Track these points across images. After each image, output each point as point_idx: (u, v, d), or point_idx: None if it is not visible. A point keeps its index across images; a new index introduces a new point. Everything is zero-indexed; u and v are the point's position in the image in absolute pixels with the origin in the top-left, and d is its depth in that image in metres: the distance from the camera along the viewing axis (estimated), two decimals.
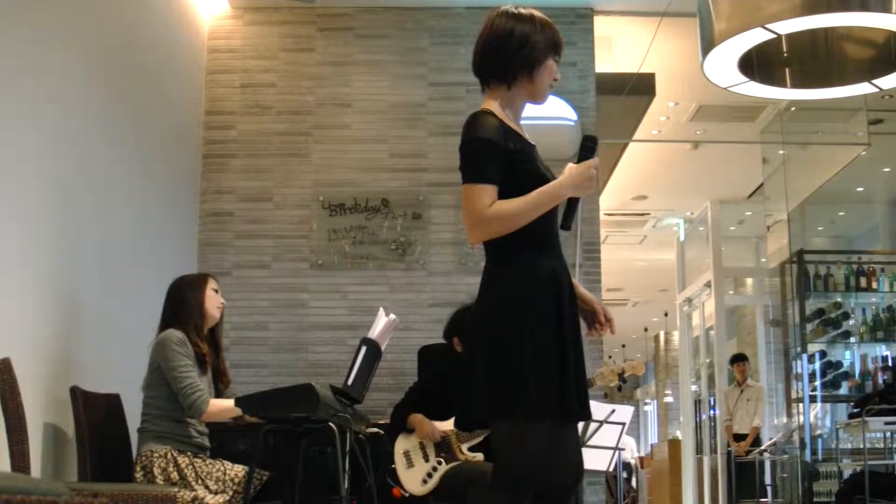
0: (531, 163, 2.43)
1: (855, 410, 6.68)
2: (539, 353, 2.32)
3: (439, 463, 4.12)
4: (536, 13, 2.51)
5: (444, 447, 4.15)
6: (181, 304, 3.60)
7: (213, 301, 3.65)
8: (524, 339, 2.32)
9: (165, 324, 3.57)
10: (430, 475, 4.10)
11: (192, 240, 5.72)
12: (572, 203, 2.42)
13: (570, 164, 2.40)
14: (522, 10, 2.50)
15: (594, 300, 2.58)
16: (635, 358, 23.03)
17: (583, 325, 2.54)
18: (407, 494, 4.10)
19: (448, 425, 4.18)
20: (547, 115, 5.51)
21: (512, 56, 2.45)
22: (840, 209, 9.10)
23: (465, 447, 4.14)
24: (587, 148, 2.43)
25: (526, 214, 2.33)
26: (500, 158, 2.36)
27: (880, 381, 7.35)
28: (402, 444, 4.20)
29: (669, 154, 8.90)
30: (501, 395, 2.32)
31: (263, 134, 5.94)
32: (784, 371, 8.10)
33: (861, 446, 6.52)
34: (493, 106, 2.46)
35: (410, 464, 4.14)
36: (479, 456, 4.13)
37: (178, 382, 3.38)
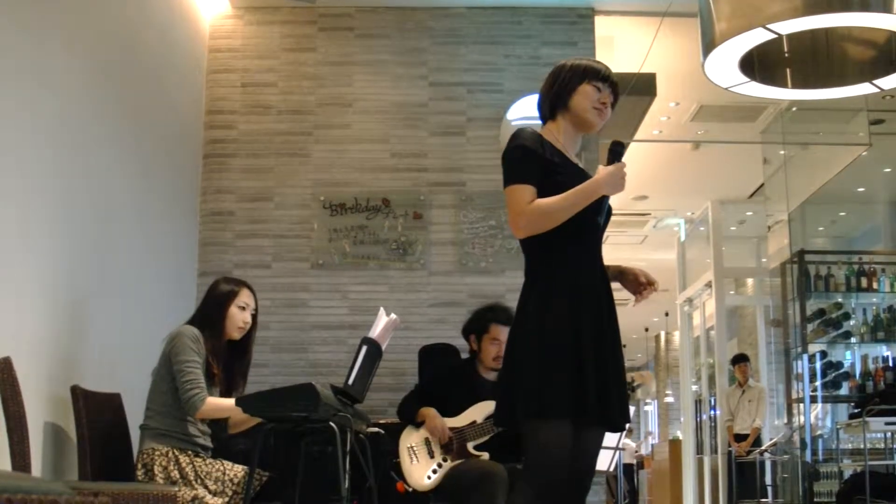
0: (568, 178, 2.63)
1: (855, 411, 6.68)
2: (552, 355, 2.52)
3: (444, 460, 4.11)
4: (572, 59, 2.84)
5: (449, 444, 4.13)
6: (208, 314, 3.60)
7: (235, 320, 3.60)
8: (537, 344, 2.54)
9: (191, 320, 3.58)
10: (434, 471, 4.09)
11: (193, 239, 5.72)
12: (603, 202, 2.64)
13: (601, 166, 2.64)
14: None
15: (635, 269, 2.87)
16: (636, 358, 22.90)
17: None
18: (410, 489, 4.10)
19: (452, 423, 4.17)
20: None
21: (547, 96, 2.81)
22: (841, 209, 9.10)
23: (471, 445, 4.12)
24: (615, 152, 2.67)
25: (564, 210, 2.55)
26: (536, 162, 2.60)
27: (881, 381, 7.34)
28: (407, 439, 4.18)
29: (670, 154, 8.90)
30: (522, 395, 2.52)
31: (264, 133, 5.93)
32: (785, 371, 8.09)
33: (861, 447, 6.51)
34: (542, 130, 2.76)
35: (415, 459, 4.13)
36: (485, 455, 4.12)
37: (181, 376, 3.38)
